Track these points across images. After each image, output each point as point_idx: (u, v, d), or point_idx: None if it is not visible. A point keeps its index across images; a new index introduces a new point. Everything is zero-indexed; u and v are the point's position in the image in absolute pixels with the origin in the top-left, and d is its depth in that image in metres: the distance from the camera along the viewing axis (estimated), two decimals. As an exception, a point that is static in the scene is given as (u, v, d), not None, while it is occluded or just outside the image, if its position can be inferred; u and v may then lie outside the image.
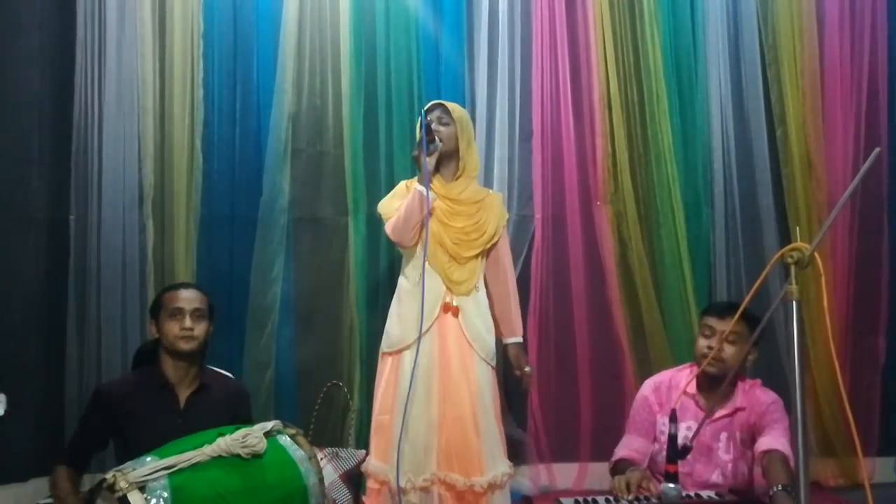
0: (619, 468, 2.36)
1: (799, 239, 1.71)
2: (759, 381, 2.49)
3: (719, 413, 2.37)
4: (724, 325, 2.32)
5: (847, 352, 3.23)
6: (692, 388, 2.42)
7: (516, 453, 3.06)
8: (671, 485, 1.97)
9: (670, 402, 2.42)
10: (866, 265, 3.29)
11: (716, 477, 2.36)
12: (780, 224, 3.26)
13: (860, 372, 3.25)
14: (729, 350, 2.34)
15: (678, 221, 3.19)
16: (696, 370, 2.44)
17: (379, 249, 3.17)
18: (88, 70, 3.05)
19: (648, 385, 2.53)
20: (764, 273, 1.86)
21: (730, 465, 2.37)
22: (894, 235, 3.32)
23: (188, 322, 2.29)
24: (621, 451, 2.46)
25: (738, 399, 2.39)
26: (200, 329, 2.32)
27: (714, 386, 2.34)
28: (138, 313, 2.97)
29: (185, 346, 2.28)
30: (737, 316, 2.04)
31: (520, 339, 2.74)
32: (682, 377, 2.49)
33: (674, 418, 2.02)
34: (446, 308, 2.58)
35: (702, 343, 2.40)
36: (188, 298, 2.33)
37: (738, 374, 2.39)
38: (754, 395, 2.40)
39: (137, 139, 3.04)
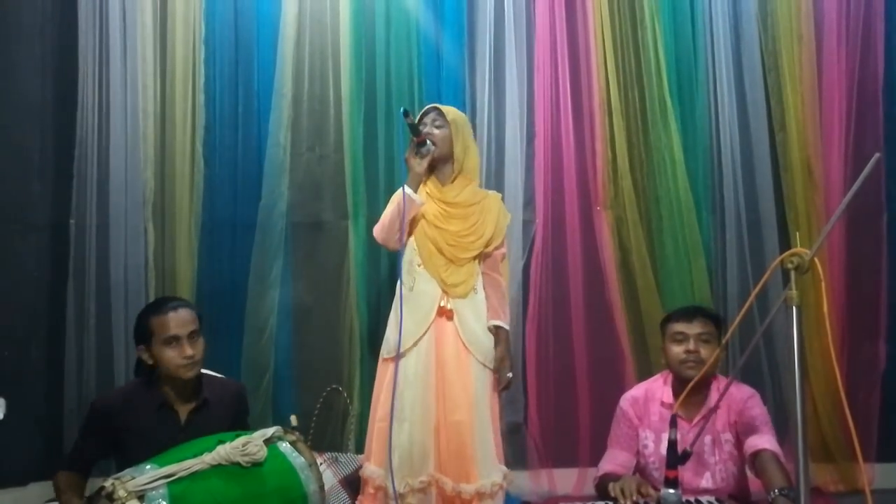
0: (605, 482, 2.34)
1: (798, 244, 1.71)
2: (732, 379, 2.49)
3: (697, 418, 2.36)
4: (695, 328, 2.35)
5: (845, 357, 3.23)
6: (668, 399, 2.41)
7: (517, 455, 3.07)
8: (671, 490, 1.96)
9: (648, 415, 2.43)
10: (866, 270, 3.28)
11: (706, 482, 2.35)
12: (780, 229, 3.26)
13: (859, 377, 3.24)
14: (704, 351, 2.34)
15: (678, 227, 3.19)
16: (669, 379, 2.44)
17: (378, 253, 3.16)
18: (90, 75, 3.06)
19: (627, 399, 2.51)
20: (764, 278, 1.86)
21: (718, 469, 2.36)
22: (893, 241, 3.31)
23: (188, 350, 2.16)
24: (606, 466, 2.44)
25: (712, 399, 2.37)
26: (199, 350, 2.20)
27: (690, 392, 2.31)
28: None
29: (188, 373, 2.17)
30: (739, 321, 2.06)
31: (501, 324, 2.62)
32: (657, 388, 2.47)
33: (674, 423, 2.01)
34: (441, 312, 2.57)
35: (677, 350, 2.36)
36: (181, 322, 2.17)
37: (711, 375, 2.38)
38: (729, 394, 2.37)
39: (139, 144, 3.05)
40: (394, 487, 2.43)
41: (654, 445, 2.41)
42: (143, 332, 2.20)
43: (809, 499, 1.62)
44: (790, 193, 3.26)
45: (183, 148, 3.08)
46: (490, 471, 2.50)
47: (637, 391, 2.51)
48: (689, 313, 2.43)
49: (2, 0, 2.92)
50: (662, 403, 2.41)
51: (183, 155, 3.08)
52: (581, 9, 3.26)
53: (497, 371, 2.59)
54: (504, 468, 2.57)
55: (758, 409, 2.33)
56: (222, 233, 3.14)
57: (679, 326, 2.39)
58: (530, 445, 3.14)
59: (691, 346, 2.33)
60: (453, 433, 2.49)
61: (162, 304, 2.25)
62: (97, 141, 3.05)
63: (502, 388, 2.61)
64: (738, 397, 2.37)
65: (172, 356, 2.16)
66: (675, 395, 2.40)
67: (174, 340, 2.16)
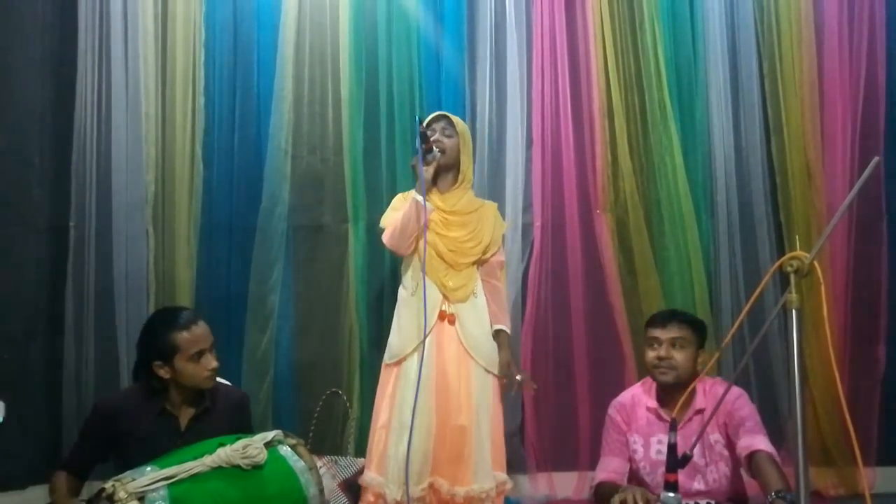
0: (601, 491, 2.35)
1: (798, 248, 1.71)
2: (718, 379, 2.50)
3: (684, 420, 2.36)
4: (668, 333, 2.36)
5: (845, 361, 3.23)
6: (652, 403, 2.42)
7: (516, 459, 3.06)
8: (671, 494, 1.96)
9: (636, 420, 2.44)
10: (866, 274, 3.28)
11: (698, 484, 2.34)
12: (779, 233, 3.26)
13: (859, 381, 3.23)
14: (679, 356, 2.35)
15: (679, 230, 3.19)
16: (653, 384, 2.45)
17: (379, 257, 3.16)
18: (90, 78, 3.06)
19: (614, 406, 2.52)
20: (763, 282, 1.87)
21: (709, 470, 2.35)
22: (894, 244, 3.31)
23: (214, 362, 2.17)
24: (601, 475, 2.44)
25: (699, 400, 2.38)
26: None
27: (674, 395, 2.34)
28: (139, 321, 2.94)
29: (211, 383, 2.20)
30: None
31: (502, 327, 2.64)
32: (641, 392, 2.49)
33: (674, 427, 2.01)
34: (442, 316, 2.58)
35: (650, 355, 2.40)
36: (204, 335, 2.17)
37: (695, 377, 2.37)
38: (715, 394, 2.37)
39: (140, 146, 3.05)
40: (408, 493, 2.42)
41: (644, 450, 2.41)
42: (165, 349, 2.13)
43: (809, 503, 1.61)
44: (790, 197, 3.26)
45: (183, 150, 3.08)
46: (484, 477, 2.49)
47: (623, 397, 2.53)
48: (663, 318, 2.45)
49: (1, 2, 2.92)
50: (648, 408, 2.42)
51: (183, 157, 3.08)
52: (581, 12, 3.27)
53: (504, 376, 2.59)
54: (501, 476, 2.56)
55: (747, 409, 2.34)
56: (222, 236, 3.14)
57: (653, 331, 2.41)
58: (529, 449, 3.13)
59: (662, 352, 2.35)
60: (455, 438, 2.49)
61: (178, 318, 2.19)
62: (97, 143, 3.05)
63: (514, 390, 2.62)
64: (726, 398, 2.37)
65: (198, 370, 2.15)
66: (659, 398, 2.43)
67: (201, 355, 2.15)
